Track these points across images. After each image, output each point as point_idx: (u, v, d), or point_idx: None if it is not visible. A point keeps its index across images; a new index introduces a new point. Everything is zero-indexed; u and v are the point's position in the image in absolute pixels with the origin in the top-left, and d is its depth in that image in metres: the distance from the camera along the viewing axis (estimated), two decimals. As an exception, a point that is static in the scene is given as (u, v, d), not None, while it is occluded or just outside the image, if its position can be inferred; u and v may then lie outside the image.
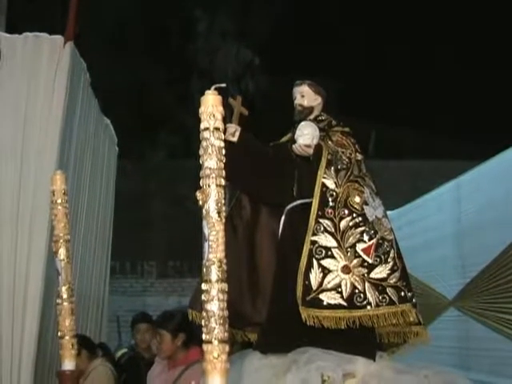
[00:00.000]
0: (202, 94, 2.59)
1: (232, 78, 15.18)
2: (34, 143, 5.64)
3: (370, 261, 4.46)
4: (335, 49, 15.04)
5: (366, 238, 4.49)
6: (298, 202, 4.75)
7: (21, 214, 5.55)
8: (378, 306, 4.40)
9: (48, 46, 5.80)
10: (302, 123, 4.88)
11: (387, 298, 4.42)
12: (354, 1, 15.67)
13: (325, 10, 15.68)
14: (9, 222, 5.53)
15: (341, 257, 4.44)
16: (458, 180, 7.49)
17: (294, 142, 4.81)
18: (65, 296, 3.84)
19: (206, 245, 2.52)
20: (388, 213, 4.92)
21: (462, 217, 7.29)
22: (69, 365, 3.82)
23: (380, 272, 4.46)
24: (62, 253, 3.86)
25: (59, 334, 3.84)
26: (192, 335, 5.21)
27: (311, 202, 4.56)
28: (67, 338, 3.82)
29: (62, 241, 3.86)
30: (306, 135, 4.74)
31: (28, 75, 5.74)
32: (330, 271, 4.42)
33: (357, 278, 4.41)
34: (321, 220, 4.50)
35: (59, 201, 3.89)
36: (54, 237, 3.90)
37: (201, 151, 2.53)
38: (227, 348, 2.47)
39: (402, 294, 4.48)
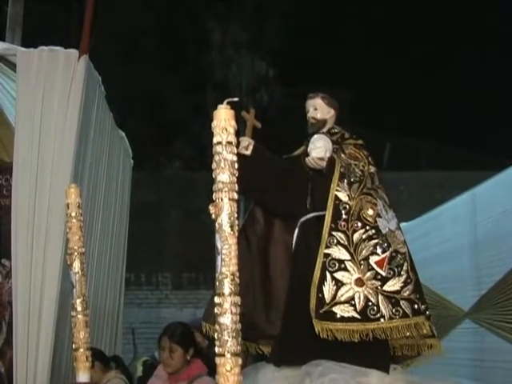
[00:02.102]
0: (216, 107, 2.61)
1: (247, 91, 15.22)
2: (49, 156, 5.68)
3: (384, 273, 4.46)
4: (349, 60, 15.06)
5: (379, 250, 4.49)
6: (312, 214, 4.75)
7: (36, 227, 5.58)
8: (391, 318, 4.39)
9: (63, 59, 5.83)
10: (315, 136, 4.89)
11: (400, 310, 4.42)
12: (367, 13, 15.69)
13: (338, 22, 15.71)
14: (24, 235, 5.56)
15: (354, 269, 4.44)
16: (474, 190, 7.47)
17: (307, 155, 4.82)
18: (79, 308, 3.86)
19: (218, 258, 2.54)
20: (403, 224, 4.93)
21: (477, 228, 7.26)
22: (83, 377, 3.84)
23: (393, 285, 4.46)
24: (76, 265, 3.88)
25: (74, 346, 3.86)
26: (196, 349, 5.22)
27: (324, 215, 4.57)
28: (81, 350, 3.84)
29: (76, 253, 3.88)
30: (318, 148, 4.75)
31: (43, 89, 5.78)
32: (343, 284, 4.42)
33: (370, 291, 4.41)
34: (334, 233, 4.51)
35: (73, 214, 3.91)
36: (68, 250, 3.92)
37: (213, 165, 2.54)
38: (240, 361, 2.47)
39: (416, 306, 4.47)
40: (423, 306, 4.51)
